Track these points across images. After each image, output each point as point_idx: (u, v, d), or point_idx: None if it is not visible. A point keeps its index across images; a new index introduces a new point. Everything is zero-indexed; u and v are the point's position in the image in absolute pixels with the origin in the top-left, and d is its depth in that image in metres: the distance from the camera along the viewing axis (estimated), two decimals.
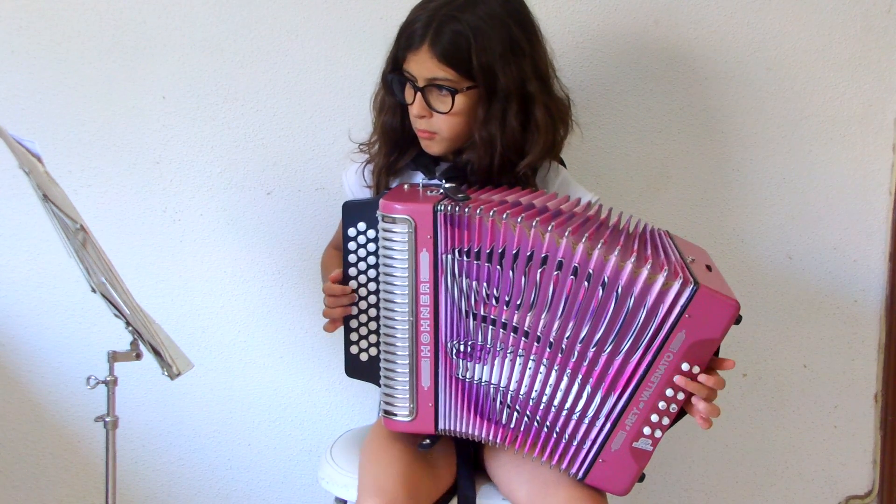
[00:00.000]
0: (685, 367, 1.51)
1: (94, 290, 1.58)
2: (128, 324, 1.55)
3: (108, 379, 1.61)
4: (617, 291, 1.50)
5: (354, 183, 1.83)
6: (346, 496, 1.76)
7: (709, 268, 1.59)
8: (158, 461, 2.19)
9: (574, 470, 1.59)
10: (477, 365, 1.59)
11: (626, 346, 1.52)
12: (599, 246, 1.50)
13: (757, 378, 2.25)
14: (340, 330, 1.70)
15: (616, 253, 1.50)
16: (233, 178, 2.09)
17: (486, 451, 1.76)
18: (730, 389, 2.23)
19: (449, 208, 1.54)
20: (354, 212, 1.64)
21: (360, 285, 1.66)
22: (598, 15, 2.08)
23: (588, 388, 1.55)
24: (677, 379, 1.51)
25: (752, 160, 2.16)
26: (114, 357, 1.59)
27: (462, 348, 1.59)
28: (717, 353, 1.54)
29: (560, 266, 1.51)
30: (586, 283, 1.51)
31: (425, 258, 1.56)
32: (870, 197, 2.19)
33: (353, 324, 1.68)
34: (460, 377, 1.60)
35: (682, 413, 1.57)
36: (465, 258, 1.55)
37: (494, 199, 1.59)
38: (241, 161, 2.09)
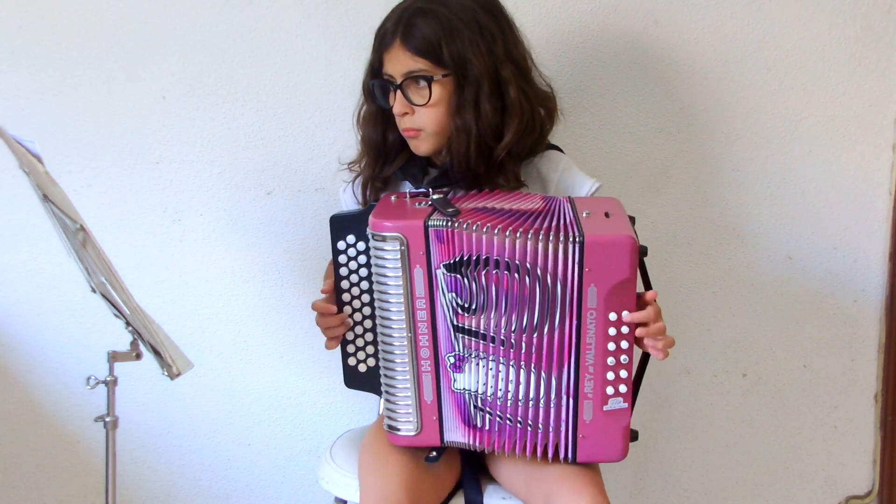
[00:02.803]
0: (612, 316, 1.52)
1: (94, 290, 1.58)
2: (128, 324, 1.55)
3: (108, 379, 1.61)
4: (537, 273, 1.52)
5: (350, 202, 1.84)
6: (346, 496, 1.76)
7: (607, 215, 1.59)
8: (158, 461, 2.19)
9: (563, 454, 1.60)
10: (456, 373, 1.61)
11: (557, 321, 1.54)
12: (518, 235, 1.52)
13: (757, 378, 2.25)
14: None
15: (529, 237, 1.52)
16: (233, 178, 2.09)
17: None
18: (730, 389, 2.25)
19: (439, 223, 1.55)
20: (342, 225, 1.63)
21: (353, 297, 1.66)
22: (598, 15, 2.08)
23: (542, 374, 1.57)
24: (611, 330, 1.53)
25: (752, 160, 2.16)
26: (114, 357, 1.59)
27: (452, 360, 1.60)
28: (650, 285, 1.58)
29: (497, 264, 1.54)
30: (517, 275, 1.53)
31: (419, 274, 1.56)
32: (870, 197, 2.19)
33: (350, 336, 1.68)
34: (453, 389, 1.61)
35: (645, 358, 1.60)
36: (446, 271, 1.56)
37: (480, 207, 1.60)
38: (241, 161, 2.09)
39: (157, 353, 1.55)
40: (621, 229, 1.53)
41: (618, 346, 1.54)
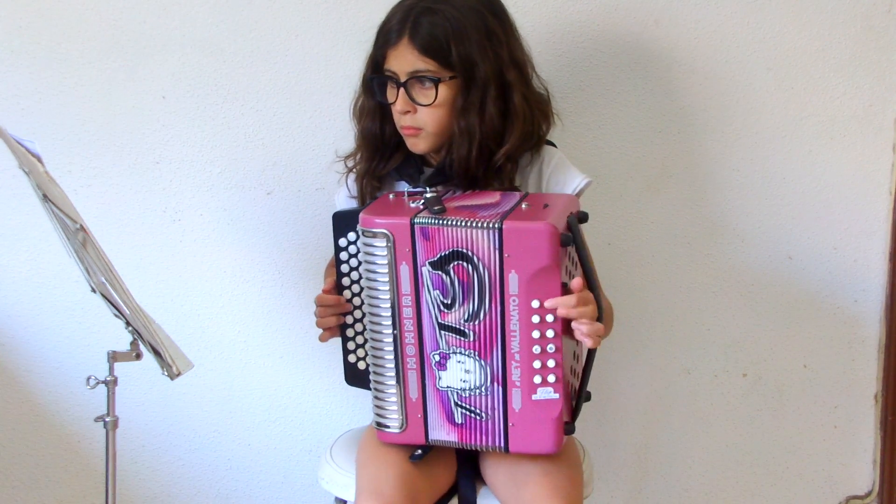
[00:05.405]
0: (535, 304, 1.53)
1: (94, 290, 1.58)
2: (128, 324, 1.55)
3: (108, 379, 1.61)
4: (474, 261, 1.54)
5: (343, 196, 1.85)
6: (346, 496, 1.76)
7: (545, 206, 1.59)
8: (158, 461, 2.19)
9: (498, 443, 1.61)
10: (441, 371, 1.61)
11: (487, 307, 1.55)
12: (462, 224, 1.53)
13: (757, 378, 2.25)
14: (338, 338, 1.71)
15: (467, 226, 1.53)
16: (233, 178, 2.09)
17: (481, 453, 1.76)
18: (730, 389, 2.25)
19: (424, 221, 1.55)
20: (344, 222, 1.64)
21: (353, 295, 1.67)
22: (598, 15, 2.08)
23: (482, 361, 1.58)
24: (535, 318, 1.53)
25: (752, 160, 2.16)
26: (114, 357, 1.59)
27: (438, 358, 1.60)
28: (589, 276, 1.58)
29: (458, 256, 1.55)
30: (465, 264, 1.55)
31: (405, 271, 1.57)
32: (870, 197, 2.19)
33: (350, 333, 1.69)
34: (438, 387, 1.62)
35: (592, 352, 1.60)
36: (431, 269, 1.57)
37: (465, 205, 1.61)
38: (241, 161, 2.09)
39: (157, 353, 1.56)
40: (546, 218, 1.53)
41: (542, 335, 1.54)
